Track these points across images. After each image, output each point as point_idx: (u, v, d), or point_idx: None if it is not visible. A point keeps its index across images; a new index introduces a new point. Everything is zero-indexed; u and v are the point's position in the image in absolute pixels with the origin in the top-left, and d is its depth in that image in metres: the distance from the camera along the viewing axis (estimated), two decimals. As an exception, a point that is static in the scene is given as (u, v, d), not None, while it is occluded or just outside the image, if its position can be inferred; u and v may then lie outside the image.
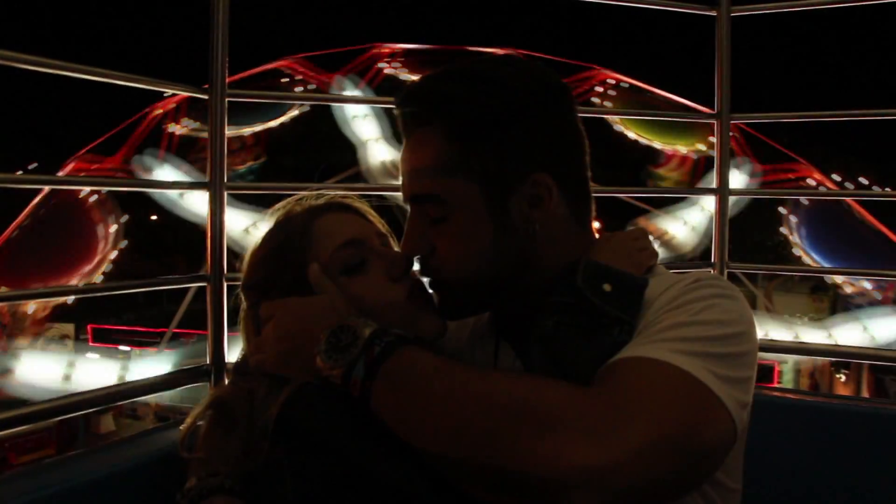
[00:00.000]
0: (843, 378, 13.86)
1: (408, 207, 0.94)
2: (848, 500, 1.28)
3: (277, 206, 1.04)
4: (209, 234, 1.48)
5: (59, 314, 11.42)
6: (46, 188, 7.92)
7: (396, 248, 1.01)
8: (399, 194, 0.96)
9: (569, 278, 0.83)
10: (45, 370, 9.46)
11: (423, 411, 0.73)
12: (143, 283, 1.51)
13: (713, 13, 1.76)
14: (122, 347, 17.89)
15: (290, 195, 1.05)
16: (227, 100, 1.50)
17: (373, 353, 0.77)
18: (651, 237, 1.00)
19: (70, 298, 9.92)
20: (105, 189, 10.05)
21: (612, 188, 1.78)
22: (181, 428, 0.96)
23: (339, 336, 0.80)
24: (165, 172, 9.91)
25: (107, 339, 18.37)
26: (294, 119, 11.99)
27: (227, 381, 1.06)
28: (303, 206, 1.02)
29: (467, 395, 0.72)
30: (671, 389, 0.71)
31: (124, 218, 10.89)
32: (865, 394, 12.24)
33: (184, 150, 10.79)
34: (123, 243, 10.72)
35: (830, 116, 1.78)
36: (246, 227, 8.51)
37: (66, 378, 9.31)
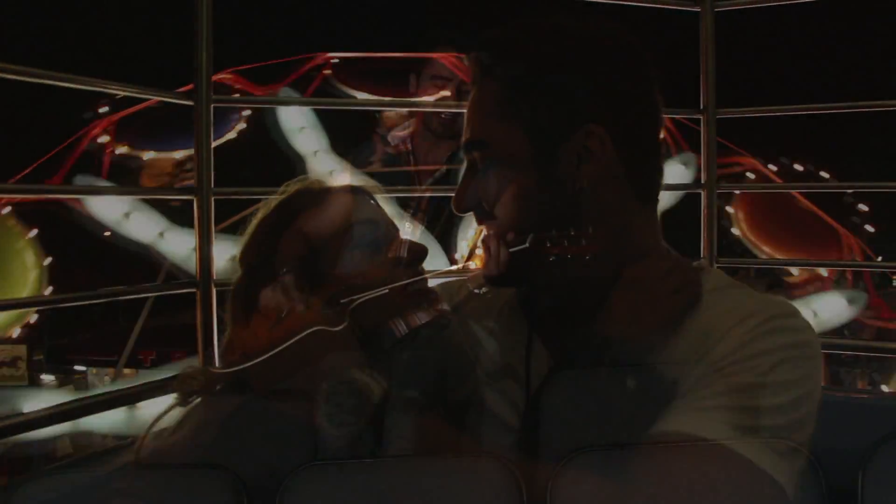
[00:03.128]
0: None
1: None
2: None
3: (281, 187, 1.02)
4: (198, 241, 1.47)
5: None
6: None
7: (400, 234, 0.98)
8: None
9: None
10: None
11: None
12: (130, 289, 1.46)
13: (697, 9, 1.77)
14: (78, 367, 17.34)
15: None
16: (212, 106, 1.47)
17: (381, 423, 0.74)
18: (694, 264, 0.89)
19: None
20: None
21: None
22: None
23: (343, 394, 0.75)
24: (99, 200, 9.21)
25: (61, 359, 17.71)
26: (232, 137, 11.48)
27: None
28: (303, 187, 1.00)
29: None
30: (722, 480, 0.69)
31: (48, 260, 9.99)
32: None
33: (116, 176, 10.17)
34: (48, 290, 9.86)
35: (815, 110, 1.81)
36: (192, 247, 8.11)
37: None
